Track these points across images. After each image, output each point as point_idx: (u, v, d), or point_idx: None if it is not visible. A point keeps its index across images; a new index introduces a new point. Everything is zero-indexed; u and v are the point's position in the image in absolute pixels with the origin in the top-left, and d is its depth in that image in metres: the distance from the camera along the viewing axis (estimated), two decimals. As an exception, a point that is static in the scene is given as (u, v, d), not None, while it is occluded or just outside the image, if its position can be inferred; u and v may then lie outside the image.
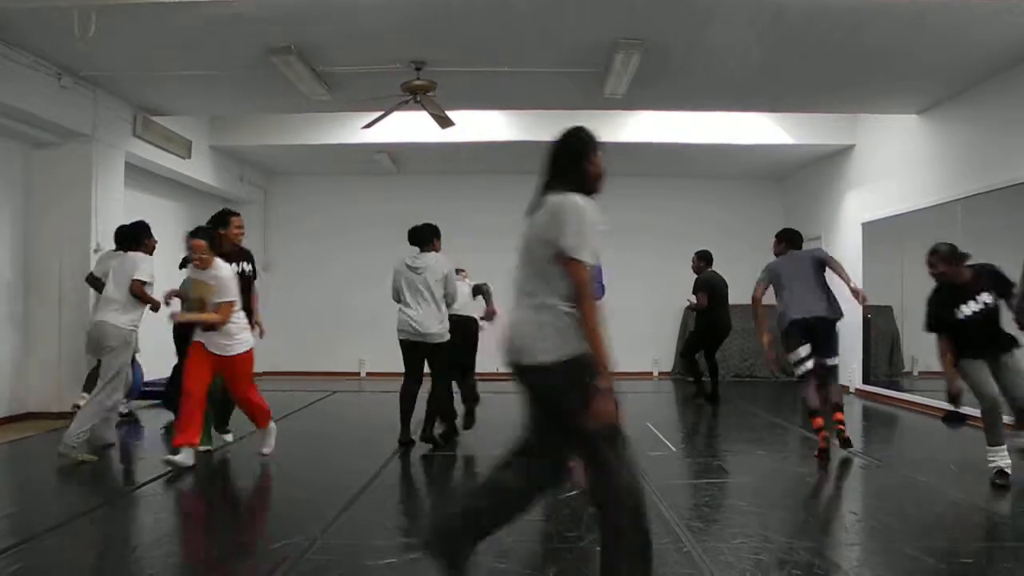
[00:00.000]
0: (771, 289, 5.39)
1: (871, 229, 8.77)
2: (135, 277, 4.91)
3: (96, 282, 5.76)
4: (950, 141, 7.38)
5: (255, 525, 3.76)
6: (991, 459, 4.38)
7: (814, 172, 10.39)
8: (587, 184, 2.41)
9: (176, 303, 5.07)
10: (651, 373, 11.13)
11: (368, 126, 6.96)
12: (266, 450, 4.93)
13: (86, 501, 4.03)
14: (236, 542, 3.41)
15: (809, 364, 5.14)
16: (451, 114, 6.77)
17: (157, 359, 8.85)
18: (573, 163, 2.43)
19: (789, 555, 3.24)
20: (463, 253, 10.39)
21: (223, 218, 5.36)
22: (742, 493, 4.33)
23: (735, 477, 4.79)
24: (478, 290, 6.20)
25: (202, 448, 4.83)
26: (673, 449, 5.65)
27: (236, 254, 5.33)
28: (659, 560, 3.11)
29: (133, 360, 6.65)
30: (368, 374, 10.99)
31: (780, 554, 3.25)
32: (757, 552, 3.25)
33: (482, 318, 5.96)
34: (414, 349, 5.34)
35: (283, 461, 5.13)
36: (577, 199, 2.30)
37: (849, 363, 9.21)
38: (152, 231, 5.47)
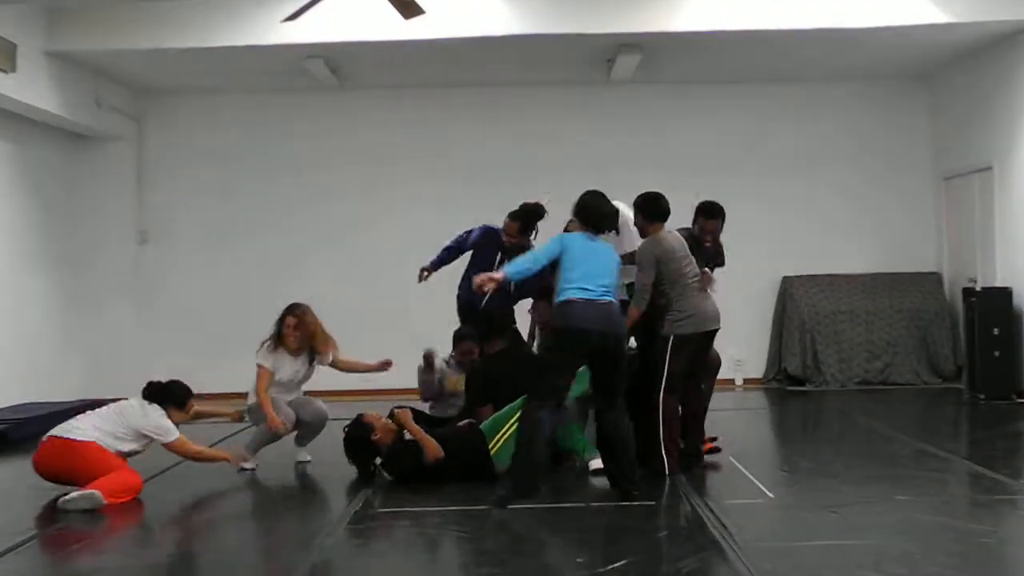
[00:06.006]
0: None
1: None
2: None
3: None
4: None
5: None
6: None
7: (979, 66, 10.32)
8: None
9: None
10: (732, 381, 11.19)
11: (291, 17, 6.96)
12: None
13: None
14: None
15: None
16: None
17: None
18: None
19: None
20: (439, 198, 10.71)
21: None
22: (876, 562, 4.32)
23: (864, 537, 4.78)
24: None
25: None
26: (769, 495, 5.71)
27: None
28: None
29: None
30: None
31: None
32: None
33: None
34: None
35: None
36: None
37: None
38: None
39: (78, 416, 6.32)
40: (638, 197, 6.47)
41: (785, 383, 10.95)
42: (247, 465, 6.79)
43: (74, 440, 5.97)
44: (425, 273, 7.65)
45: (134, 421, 6.20)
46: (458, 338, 7.32)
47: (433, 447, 6.13)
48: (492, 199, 8.65)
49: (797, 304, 10.97)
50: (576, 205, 6.04)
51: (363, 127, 11.35)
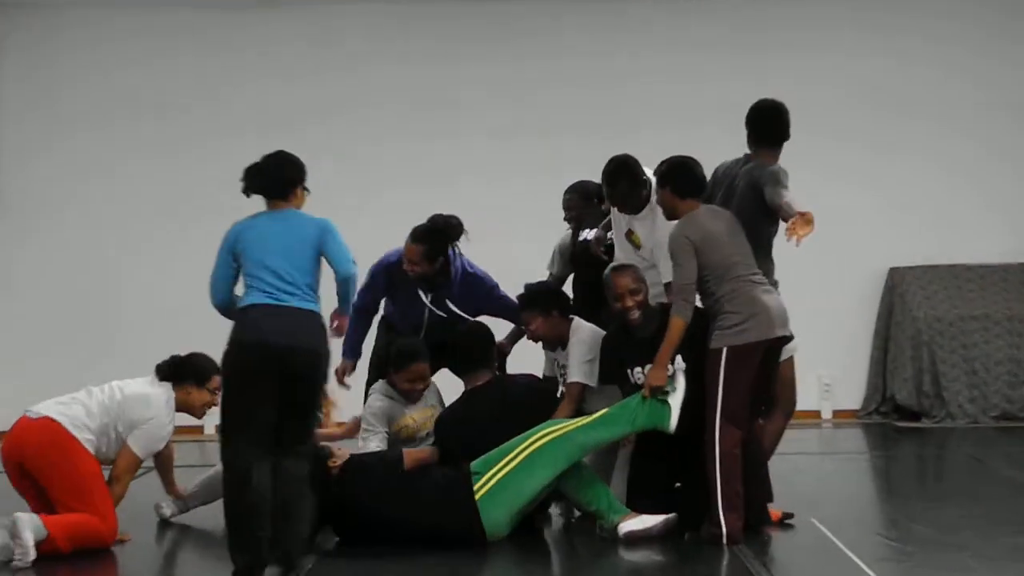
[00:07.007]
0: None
1: None
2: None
3: None
4: None
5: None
6: None
7: None
8: None
9: None
10: (818, 414, 11.19)
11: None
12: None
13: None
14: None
15: None
16: None
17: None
18: None
19: None
20: (405, 155, 10.39)
21: None
22: None
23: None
24: None
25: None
26: (871, 574, 5.46)
27: None
28: None
29: None
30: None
31: None
32: None
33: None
34: None
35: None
36: None
37: None
38: None
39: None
40: (661, 164, 6.31)
41: (892, 416, 10.73)
42: (164, 511, 6.98)
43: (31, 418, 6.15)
44: (347, 375, 7.74)
45: (129, 406, 6.28)
46: (405, 357, 7.14)
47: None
48: (473, 151, 9.32)
49: (909, 306, 10.75)
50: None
51: (299, 54, 11.35)
